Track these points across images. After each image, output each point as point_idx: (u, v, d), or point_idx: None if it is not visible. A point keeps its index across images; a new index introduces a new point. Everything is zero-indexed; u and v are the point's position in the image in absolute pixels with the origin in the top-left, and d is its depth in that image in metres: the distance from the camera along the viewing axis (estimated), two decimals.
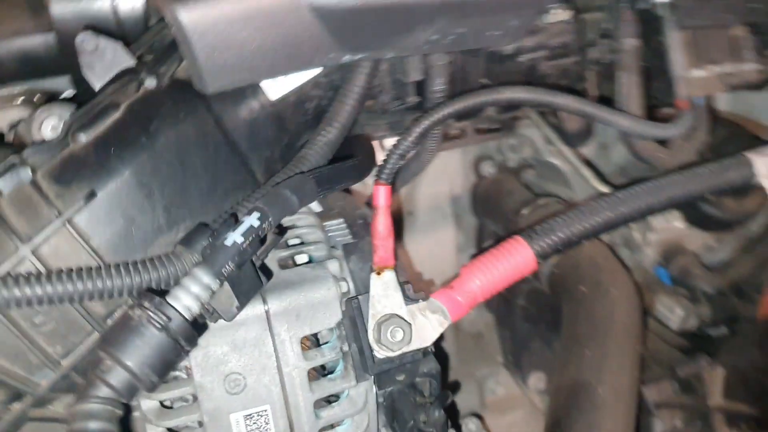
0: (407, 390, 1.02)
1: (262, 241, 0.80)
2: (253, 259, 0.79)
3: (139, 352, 0.70)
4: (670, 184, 1.08)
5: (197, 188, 0.89)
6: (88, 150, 0.84)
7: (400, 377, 1.01)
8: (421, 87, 1.11)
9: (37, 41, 1.09)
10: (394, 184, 1.01)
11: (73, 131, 0.84)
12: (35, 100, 1.18)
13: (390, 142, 1.30)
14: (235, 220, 0.79)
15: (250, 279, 0.79)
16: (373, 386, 1.01)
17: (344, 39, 0.91)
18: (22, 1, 1.11)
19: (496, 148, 1.65)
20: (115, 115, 0.86)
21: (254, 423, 0.96)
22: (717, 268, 1.42)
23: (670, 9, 1.19)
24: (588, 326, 1.18)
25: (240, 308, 0.79)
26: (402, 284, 0.98)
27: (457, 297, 0.98)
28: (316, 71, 0.99)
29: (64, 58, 1.07)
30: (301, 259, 1.07)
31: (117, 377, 0.70)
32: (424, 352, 1.00)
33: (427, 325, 0.97)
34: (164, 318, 0.70)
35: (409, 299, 0.98)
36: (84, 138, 0.84)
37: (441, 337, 1.00)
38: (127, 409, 0.75)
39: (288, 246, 1.05)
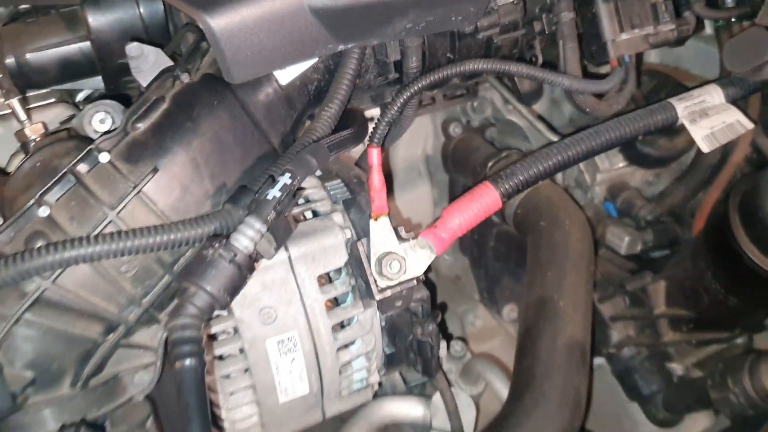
0: (404, 313, 1.14)
1: (293, 196, 0.93)
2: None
3: (215, 280, 0.84)
4: (606, 129, 1.18)
5: (232, 159, 1.01)
6: (146, 135, 0.97)
7: (398, 303, 1.11)
8: (399, 65, 1.17)
9: (74, 49, 1.23)
10: (383, 146, 1.13)
11: (132, 122, 0.98)
12: (72, 100, 1.32)
13: (373, 112, 1.42)
14: (272, 181, 0.92)
15: (284, 226, 0.94)
16: (377, 312, 1.13)
17: (337, 32, 1.02)
18: (57, 17, 1.24)
19: (461, 111, 1.73)
20: (164, 106, 0.99)
21: (285, 346, 1.08)
22: (656, 199, 1.53)
23: None
24: (548, 252, 1.29)
25: (277, 249, 0.93)
26: (395, 227, 1.08)
27: (441, 234, 1.10)
28: (315, 59, 1.08)
29: (99, 62, 1.21)
30: (310, 214, 1.17)
31: (200, 299, 0.84)
32: (417, 280, 1.10)
33: (417, 259, 1.08)
34: (231, 253, 0.86)
35: (401, 239, 1.08)
36: (142, 126, 0.97)
37: (429, 269, 1.10)
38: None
39: (299, 204, 1.15)
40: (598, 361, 1.56)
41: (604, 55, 1.26)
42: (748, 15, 1.36)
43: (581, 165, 1.56)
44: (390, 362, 1.22)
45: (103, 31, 1.19)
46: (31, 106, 1.28)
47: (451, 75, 1.17)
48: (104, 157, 0.95)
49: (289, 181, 0.91)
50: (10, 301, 0.91)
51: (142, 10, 1.19)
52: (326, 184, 1.21)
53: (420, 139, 1.78)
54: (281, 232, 0.93)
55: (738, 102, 1.28)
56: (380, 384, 1.31)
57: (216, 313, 1.01)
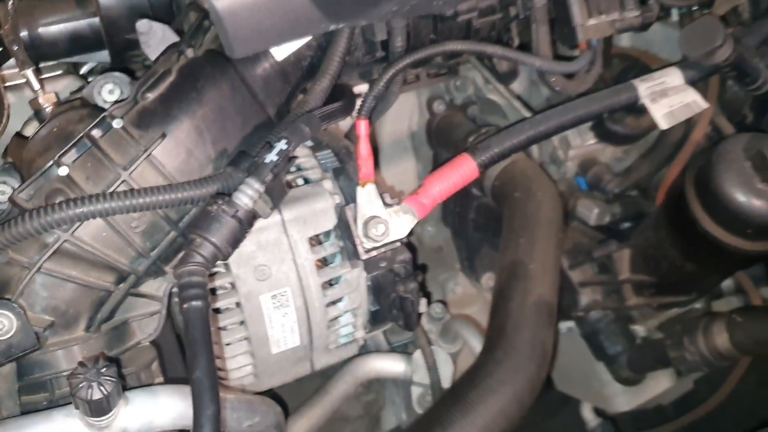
0: (388, 273, 1.20)
1: (288, 161, 1.00)
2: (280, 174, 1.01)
3: (219, 233, 0.92)
4: (574, 106, 1.25)
5: (233, 127, 1.07)
6: (155, 104, 1.03)
7: (383, 264, 1.18)
8: (385, 44, 1.22)
9: (83, 24, 1.30)
10: (370, 119, 1.19)
11: (142, 92, 1.05)
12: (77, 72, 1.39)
13: (361, 88, 1.43)
14: (269, 147, 0.99)
15: (280, 188, 1.01)
16: (363, 272, 1.18)
17: (330, 13, 1.08)
18: None
19: (444, 89, 1.77)
20: (170, 78, 1.06)
21: (278, 301, 1.15)
22: (624, 174, 1.59)
23: None
24: (521, 220, 1.34)
25: (273, 209, 0.99)
26: (381, 194, 1.14)
27: (422, 200, 1.16)
28: (309, 37, 1.14)
29: (106, 37, 1.28)
30: (301, 181, 1.25)
31: (206, 250, 0.92)
32: (400, 243, 1.17)
33: (401, 223, 1.14)
34: (234, 209, 0.93)
35: (386, 204, 1.14)
36: (151, 95, 1.04)
37: (411, 234, 1.16)
38: None
39: (291, 172, 1.23)
40: (568, 324, 1.63)
41: (573, 39, 1.30)
42: (708, 3, 1.43)
43: (555, 141, 1.60)
44: (375, 319, 1.28)
45: (111, 8, 1.25)
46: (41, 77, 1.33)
47: (433, 54, 1.22)
48: (117, 123, 1.03)
49: (284, 147, 0.99)
50: (32, 252, 1.00)
51: None
52: (317, 154, 1.27)
53: (405, 116, 1.82)
54: (277, 193, 1.01)
55: (698, 83, 1.34)
56: (365, 342, 1.37)
57: (215, 269, 1.11)
